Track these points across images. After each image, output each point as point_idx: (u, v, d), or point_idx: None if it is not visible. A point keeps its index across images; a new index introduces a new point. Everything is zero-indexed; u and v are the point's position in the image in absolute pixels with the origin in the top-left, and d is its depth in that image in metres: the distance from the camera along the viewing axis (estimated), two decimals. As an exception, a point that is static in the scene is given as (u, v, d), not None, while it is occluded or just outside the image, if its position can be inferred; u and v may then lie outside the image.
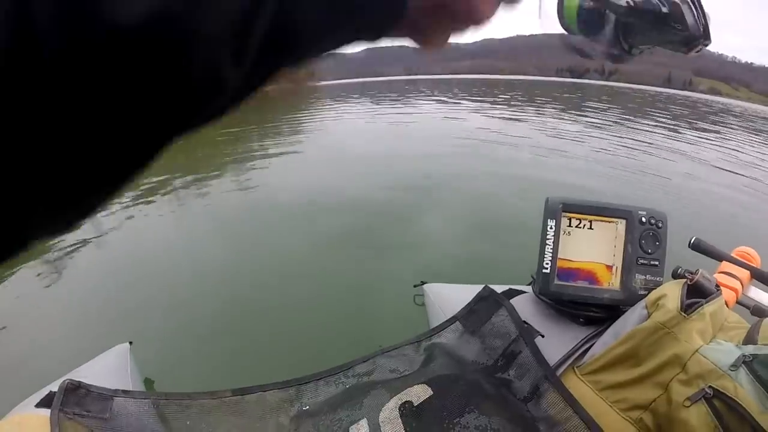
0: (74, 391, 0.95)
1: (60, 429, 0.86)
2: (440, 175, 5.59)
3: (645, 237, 1.00)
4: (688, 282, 0.87)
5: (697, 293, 0.85)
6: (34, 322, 2.69)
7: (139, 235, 4.14)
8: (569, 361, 0.93)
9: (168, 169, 5.96)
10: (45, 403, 0.93)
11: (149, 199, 5.06)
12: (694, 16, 0.40)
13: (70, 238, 4.23)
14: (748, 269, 1.15)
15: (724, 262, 1.19)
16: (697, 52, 0.42)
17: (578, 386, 0.89)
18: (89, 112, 0.19)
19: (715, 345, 0.79)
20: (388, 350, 1.12)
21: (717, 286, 0.88)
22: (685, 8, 0.40)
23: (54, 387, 0.96)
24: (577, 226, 1.02)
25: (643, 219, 1.00)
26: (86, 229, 4.14)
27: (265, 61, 0.24)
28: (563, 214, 1.01)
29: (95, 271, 3.41)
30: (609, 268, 1.01)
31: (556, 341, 0.97)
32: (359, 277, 3.01)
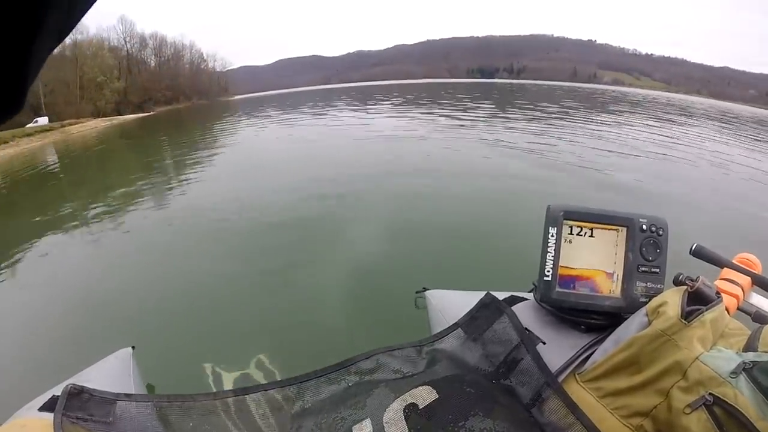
0: (77, 395, 0.95)
1: None
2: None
3: (646, 244, 1.00)
4: (689, 289, 0.87)
5: (697, 300, 0.85)
6: (37, 327, 2.70)
7: (139, 238, 4.17)
8: (570, 368, 0.93)
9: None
10: (48, 407, 0.93)
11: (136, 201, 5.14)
12: None
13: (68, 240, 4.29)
14: (749, 276, 1.15)
15: (725, 268, 1.19)
16: None
17: (580, 393, 0.89)
18: None
19: (715, 352, 0.79)
20: (390, 348, 1.12)
21: (718, 293, 0.88)
22: None
23: (57, 391, 0.97)
24: (578, 234, 1.02)
25: (644, 226, 1.00)
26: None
27: None
28: (564, 221, 1.02)
29: (98, 274, 3.43)
30: (610, 275, 1.01)
31: (557, 348, 0.97)
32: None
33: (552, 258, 1.01)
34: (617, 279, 1.01)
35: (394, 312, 2.41)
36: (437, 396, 0.90)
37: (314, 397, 1.04)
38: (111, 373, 1.20)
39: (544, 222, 1.02)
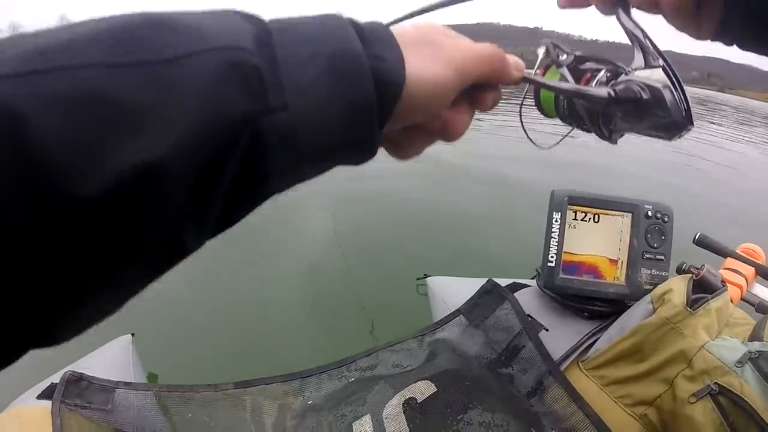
0: (76, 382, 0.95)
1: (61, 420, 0.86)
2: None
3: (651, 231, 0.99)
4: (694, 277, 0.86)
5: (702, 289, 0.85)
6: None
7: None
8: (573, 356, 0.93)
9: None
10: (46, 394, 0.93)
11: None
12: (676, 101, 0.37)
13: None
14: (753, 266, 1.14)
15: (728, 258, 1.18)
16: (680, 137, 0.40)
17: (583, 381, 0.88)
18: (54, 275, 0.20)
19: (720, 341, 0.78)
20: (390, 344, 1.12)
21: (722, 281, 0.88)
22: (666, 94, 0.37)
23: (55, 379, 0.96)
24: (582, 220, 1.01)
25: (649, 213, 0.99)
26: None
27: (231, 205, 0.25)
28: (569, 207, 1.00)
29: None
30: (614, 262, 1.00)
31: (560, 335, 0.97)
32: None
33: (556, 244, 1.00)
34: (621, 266, 1.00)
35: (395, 298, 2.40)
36: (435, 390, 0.90)
37: (315, 393, 1.03)
38: (110, 361, 1.20)
39: (548, 208, 1.01)
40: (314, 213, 4.15)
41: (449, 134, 0.34)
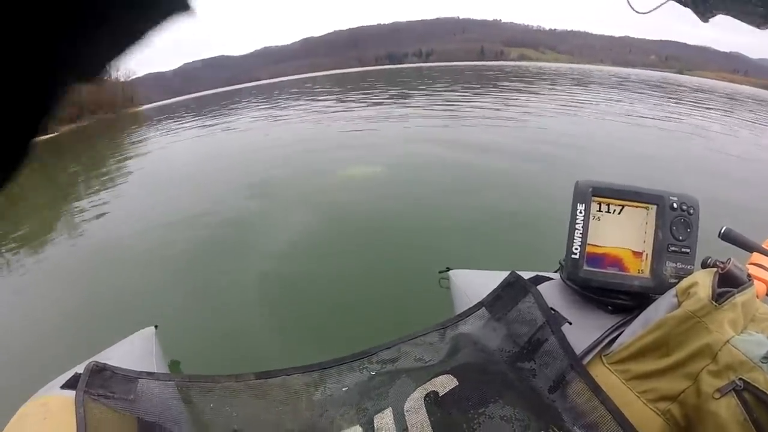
0: (99, 372, 0.97)
1: (84, 409, 0.87)
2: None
3: (676, 223, 0.97)
4: (720, 271, 0.84)
5: (728, 282, 0.83)
6: (61, 306, 2.74)
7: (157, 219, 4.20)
8: (597, 350, 0.91)
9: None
10: (70, 384, 0.95)
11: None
12: None
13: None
14: None
15: (755, 253, 1.15)
16: None
17: (605, 375, 0.87)
18: None
19: (746, 336, 0.76)
20: (412, 337, 1.11)
21: (748, 276, 0.86)
22: None
23: (80, 369, 0.98)
24: (606, 211, 1.00)
25: (675, 204, 0.97)
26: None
27: None
28: (593, 198, 0.99)
29: (120, 251, 3.47)
30: (639, 254, 0.99)
31: (583, 329, 0.95)
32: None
33: (580, 235, 0.99)
34: (646, 258, 0.98)
35: (418, 291, 2.40)
36: (457, 384, 0.89)
37: (336, 385, 1.04)
38: (133, 352, 1.22)
39: (571, 199, 1.00)
40: (337, 205, 4.19)
41: None
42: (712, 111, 14.13)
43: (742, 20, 0.39)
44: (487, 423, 0.81)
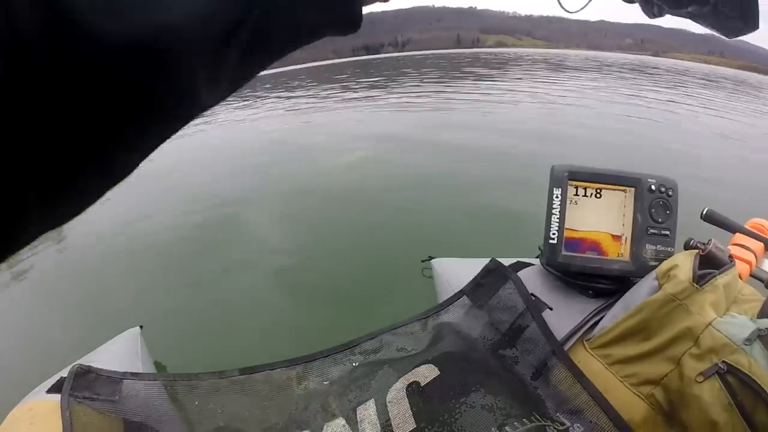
0: (84, 375, 0.97)
1: (70, 413, 0.87)
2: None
3: (655, 206, 0.97)
4: (700, 252, 0.84)
5: (709, 264, 0.83)
6: (46, 310, 2.72)
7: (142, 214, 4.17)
8: (578, 335, 0.91)
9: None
10: (56, 388, 0.95)
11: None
12: None
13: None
14: (762, 241, 1.11)
15: (737, 234, 1.16)
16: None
17: (588, 360, 0.87)
18: (71, 113, 0.20)
19: (729, 318, 0.76)
20: (394, 327, 1.11)
21: (730, 257, 0.85)
22: None
23: (65, 373, 0.98)
24: (584, 195, 0.99)
25: (653, 187, 0.97)
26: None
27: (242, 67, 0.29)
28: (569, 182, 0.98)
29: (103, 252, 3.45)
30: (618, 238, 0.98)
31: (564, 314, 0.95)
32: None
33: (557, 220, 0.98)
34: (626, 242, 0.98)
35: (401, 282, 2.40)
36: (439, 373, 0.90)
37: (319, 378, 1.04)
38: (119, 353, 1.21)
39: (548, 184, 1.00)
40: (318, 199, 4.18)
41: None
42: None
43: (700, 24, 0.38)
44: (468, 412, 0.81)
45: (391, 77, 19.74)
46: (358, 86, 16.23)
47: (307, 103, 12.59)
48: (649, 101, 10.29)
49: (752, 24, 0.36)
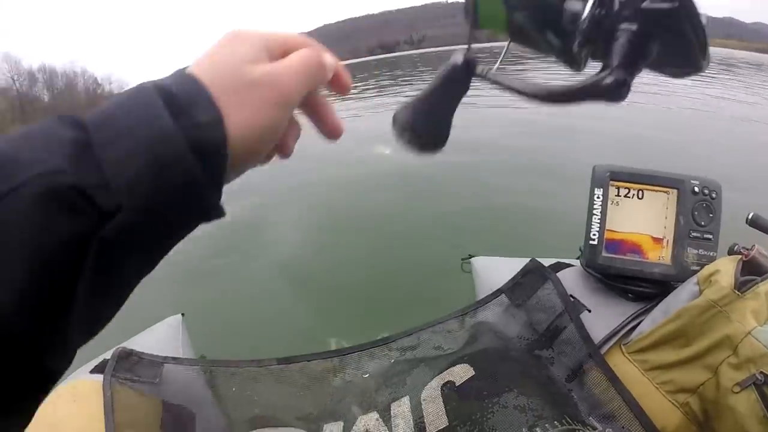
0: (126, 357, 1.00)
1: (112, 393, 0.90)
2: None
3: (698, 208, 0.94)
4: (743, 258, 0.81)
5: (752, 270, 0.80)
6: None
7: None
8: (616, 338, 0.90)
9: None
10: (99, 369, 0.98)
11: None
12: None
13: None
14: None
15: None
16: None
17: (624, 365, 0.86)
18: None
19: None
20: (432, 324, 1.12)
21: None
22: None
23: (108, 355, 1.01)
24: (625, 196, 0.98)
25: (696, 189, 0.95)
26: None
27: (96, 310, 0.26)
28: (611, 182, 0.97)
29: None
30: (659, 240, 0.96)
31: (603, 317, 0.94)
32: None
33: (598, 221, 0.97)
34: (667, 244, 0.96)
35: (440, 279, 2.39)
36: (474, 373, 0.90)
37: (356, 371, 1.05)
38: (160, 339, 1.25)
39: (590, 184, 0.98)
40: (358, 191, 4.19)
41: (284, 155, 0.38)
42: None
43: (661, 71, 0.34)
44: (500, 412, 0.81)
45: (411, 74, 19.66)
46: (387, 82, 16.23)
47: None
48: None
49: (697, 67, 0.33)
